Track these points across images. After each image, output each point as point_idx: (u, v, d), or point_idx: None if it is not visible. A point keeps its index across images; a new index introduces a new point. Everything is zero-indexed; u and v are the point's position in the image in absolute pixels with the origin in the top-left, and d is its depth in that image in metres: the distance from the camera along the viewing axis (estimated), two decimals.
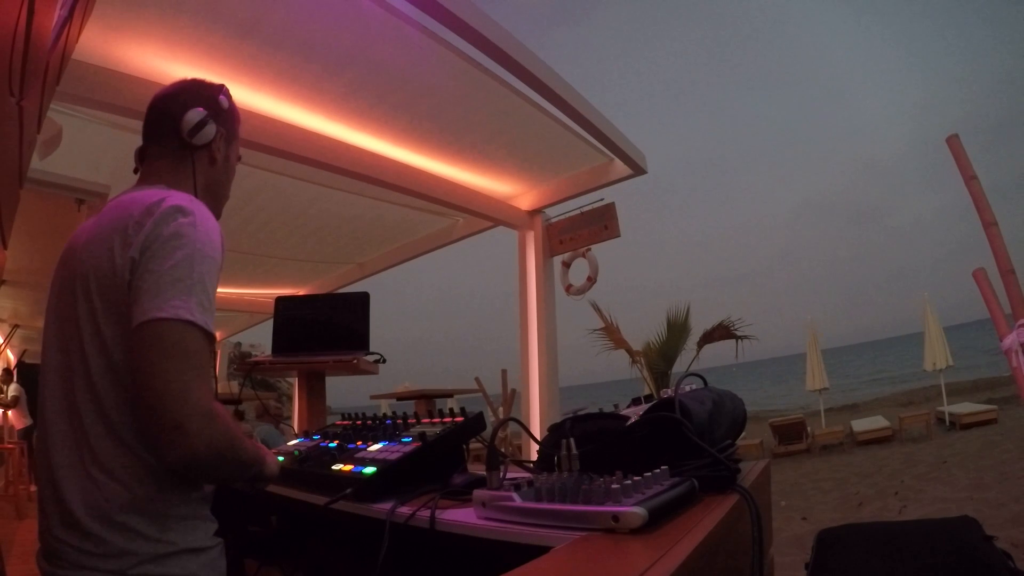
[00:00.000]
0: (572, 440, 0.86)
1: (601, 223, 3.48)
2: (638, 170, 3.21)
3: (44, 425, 0.86)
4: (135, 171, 1.05)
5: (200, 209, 0.89)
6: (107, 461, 0.81)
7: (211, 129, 1.02)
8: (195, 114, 1.00)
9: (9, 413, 7.66)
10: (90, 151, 2.59)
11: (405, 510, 0.91)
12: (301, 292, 5.27)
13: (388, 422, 1.36)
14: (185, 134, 1.00)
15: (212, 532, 0.91)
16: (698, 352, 5.56)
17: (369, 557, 0.87)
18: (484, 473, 0.90)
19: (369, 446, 1.20)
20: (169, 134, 1.01)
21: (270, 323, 2.22)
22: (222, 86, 1.08)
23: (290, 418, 5.70)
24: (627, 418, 1.01)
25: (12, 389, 7.34)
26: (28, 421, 7.33)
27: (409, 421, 1.32)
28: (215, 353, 0.91)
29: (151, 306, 0.77)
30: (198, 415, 0.75)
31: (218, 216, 1.07)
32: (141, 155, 1.05)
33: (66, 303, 0.87)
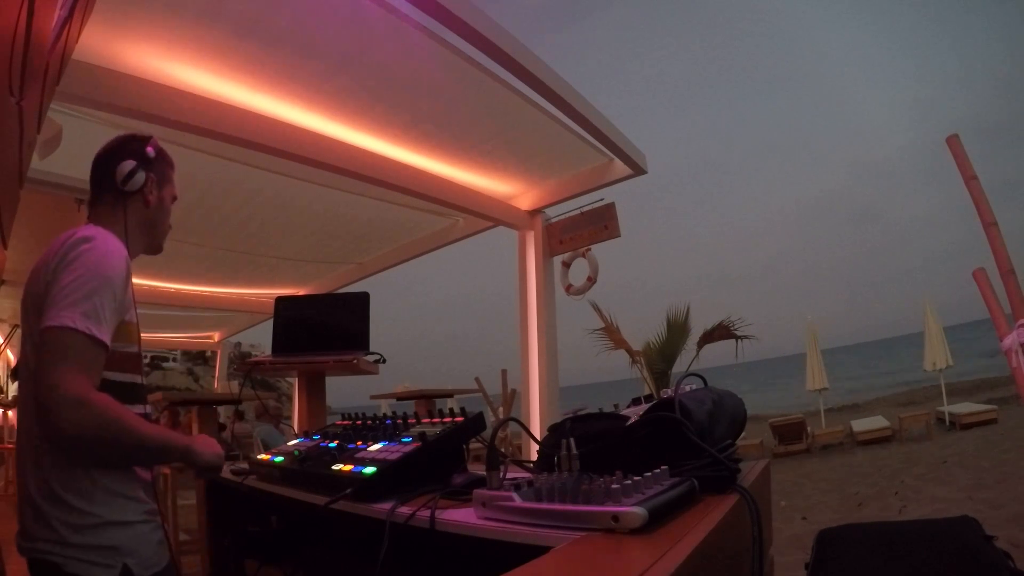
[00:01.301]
0: (572, 440, 0.86)
1: (601, 223, 3.48)
2: (638, 170, 3.21)
3: (20, 425, 1.05)
4: (88, 218, 1.22)
5: (102, 236, 1.06)
6: (48, 448, 0.97)
7: (140, 177, 1.19)
8: (126, 165, 1.18)
9: (10, 413, 7.66)
10: (90, 151, 2.57)
11: (405, 510, 0.92)
12: (301, 292, 5.27)
13: (388, 422, 1.36)
14: (119, 183, 1.17)
15: (144, 510, 1.05)
16: (698, 352, 5.55)
17: (369, 557, 0.87)
18: (484, 473, 0.90)
19: (369, 446, 1.20)
20: (106, 184, 1.19)
21: (270, 323, 2.22)
22: (150, 138, 1.26)
23: (290, 418, 5.70)
24: (627, 418, 1.01)
25: (15, 389, 7.35)
26: None
27: (409, 421, 1.32)
28: (140, 355, 1.14)
29: (46, 317, 0.96)
30: (66, 402, 0.91)
31: (159, 245, 1.29)
32: (90, 203, 1.23)
33: (24, 321, 1.06)
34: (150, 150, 1.23)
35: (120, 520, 1.00)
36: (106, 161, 1.20)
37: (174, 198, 1.31)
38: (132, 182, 1.18)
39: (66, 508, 0.96)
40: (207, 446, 1.14)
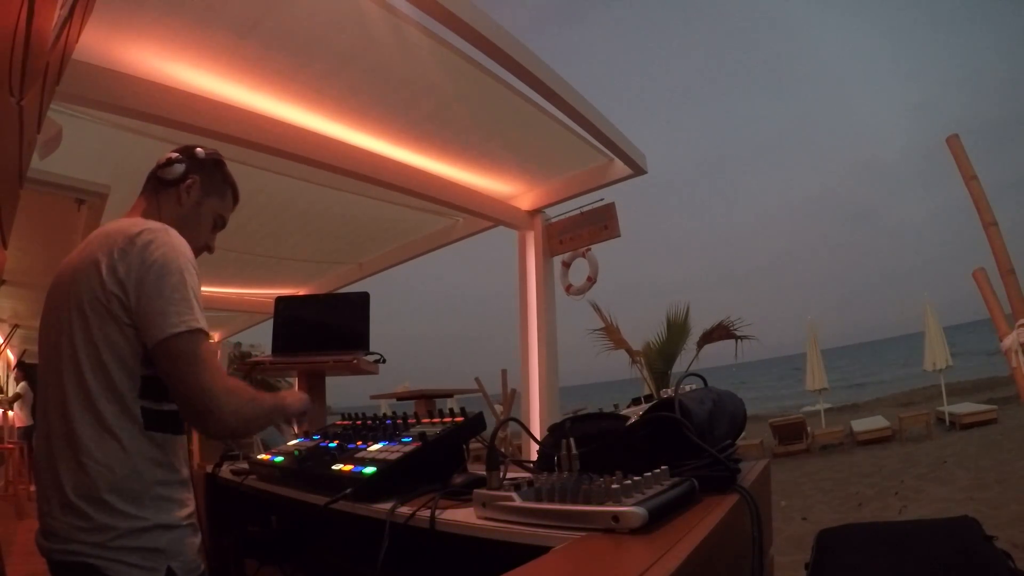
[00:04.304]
0: (572, 440, 0.86)
1: (601, 223, 3.48)
2: (638, 170, 3.21)
3: (46, 422, 1.00)
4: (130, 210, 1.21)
5: (171, 235, 1.05)
6: (92, 448, 0.95)
7: (178, 168, 1.18)
8: (169, 156, 1.19)
9: (10, 413, 7.66)
10: (90, 151, 2.59)
11: (405, 510, 0.92)
12: (301, 292, 5.27)
13: (388, 422, 1.36)
14: (155, 169, 1.19)
15: (185, 513, 1.04)
16: (698, 352, 5.54)
17: (369, 557, 0.87)
18: (484, 473, 0.90)
19: (369, 446, 1.20)
20: (150, 175, 1.21)
21: (270, 323, 2.22)
22: (201, 148, 1.26)
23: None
24: (627, 418, 1.01)
25: (19, 388, 7.35)
26: (29, 421, 7.33)
27: (409, 421, 1.32)
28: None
29: (167, 324, 0.96)
30: (222, 398, 0.97)
31: None
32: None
33: (60, 315, 1.02)
34: (199, 151, 1.24)
35: (166, 523, 0.99)
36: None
37: (219, 218, 1.29)
38: (167, 170, 1.18)
39: (111, 511, 0.94)
40: (295, 394, 1.28)
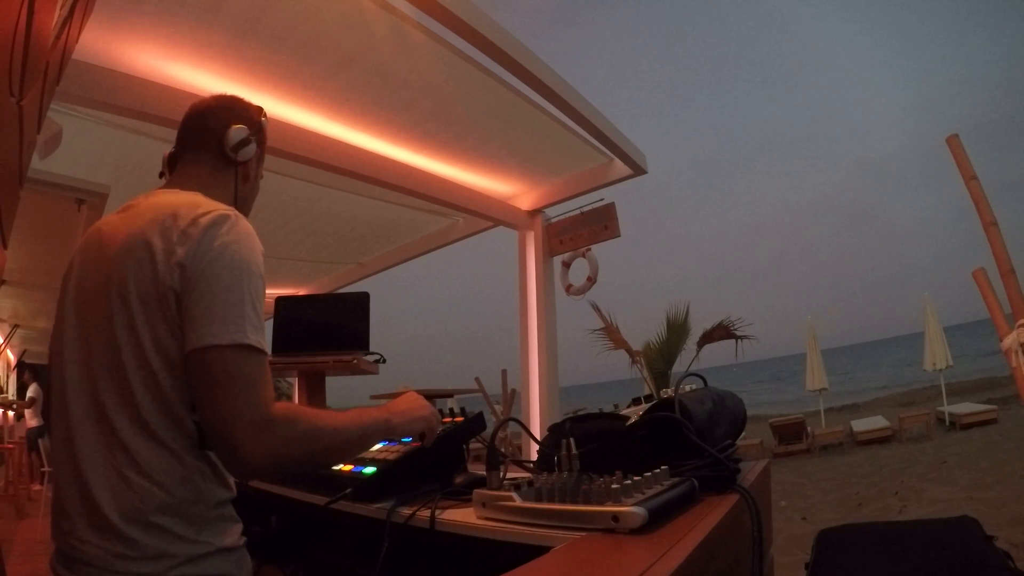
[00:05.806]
0: (572, 440, 0.86)
1: (601, 223, 3.48)
2: (638, 170, 3.21)
3: (68, 428, 0.84)
4: (161, 175, 1.08)
5: (243, 224, 0.89)
6: (144, 464, 0.80)
7: (252, 148, 1.06)
8: (239, 131, 1.04)
9: (10, 413, 7.66)
10: (90, 151, 2.59)
11: (405, 510, 0.92)
12: (301, 292, 5.27)
13: None
14: (228, 148, 1.03)
15: (240, 531, 0.92)
16: (698, 352, 5.55)
17: (369, 557, 0.87)
18: (484, 473, 0.90)
19: None
20: (209, 146, 1.04)
21: (270, 323, 2.22)
22: (261, 108, 1.12)
23: None
24: (627, 418, 1.01)
25: (32, 391, 7.34)
26: (36, 422, 7.33)
27: None
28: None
29: (206, 332, 0.79)
30: (251, 433, 0.76)
31: None
32: (172, 161, 1.07)
33: (98, 306, 0.85)
34: (264, 121, 1.11)
35: (228, 546, 0.87)
36: (211, 119, 1.05)
37: (262, 176, 1.17)
38: (244, 152, 1.04)
39: (165, 535, 0.80)
40: (407, 413, 1.00)
